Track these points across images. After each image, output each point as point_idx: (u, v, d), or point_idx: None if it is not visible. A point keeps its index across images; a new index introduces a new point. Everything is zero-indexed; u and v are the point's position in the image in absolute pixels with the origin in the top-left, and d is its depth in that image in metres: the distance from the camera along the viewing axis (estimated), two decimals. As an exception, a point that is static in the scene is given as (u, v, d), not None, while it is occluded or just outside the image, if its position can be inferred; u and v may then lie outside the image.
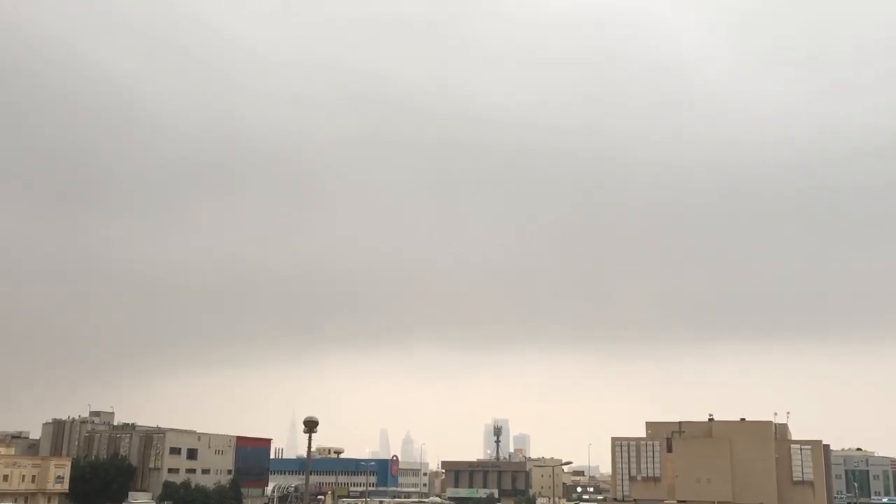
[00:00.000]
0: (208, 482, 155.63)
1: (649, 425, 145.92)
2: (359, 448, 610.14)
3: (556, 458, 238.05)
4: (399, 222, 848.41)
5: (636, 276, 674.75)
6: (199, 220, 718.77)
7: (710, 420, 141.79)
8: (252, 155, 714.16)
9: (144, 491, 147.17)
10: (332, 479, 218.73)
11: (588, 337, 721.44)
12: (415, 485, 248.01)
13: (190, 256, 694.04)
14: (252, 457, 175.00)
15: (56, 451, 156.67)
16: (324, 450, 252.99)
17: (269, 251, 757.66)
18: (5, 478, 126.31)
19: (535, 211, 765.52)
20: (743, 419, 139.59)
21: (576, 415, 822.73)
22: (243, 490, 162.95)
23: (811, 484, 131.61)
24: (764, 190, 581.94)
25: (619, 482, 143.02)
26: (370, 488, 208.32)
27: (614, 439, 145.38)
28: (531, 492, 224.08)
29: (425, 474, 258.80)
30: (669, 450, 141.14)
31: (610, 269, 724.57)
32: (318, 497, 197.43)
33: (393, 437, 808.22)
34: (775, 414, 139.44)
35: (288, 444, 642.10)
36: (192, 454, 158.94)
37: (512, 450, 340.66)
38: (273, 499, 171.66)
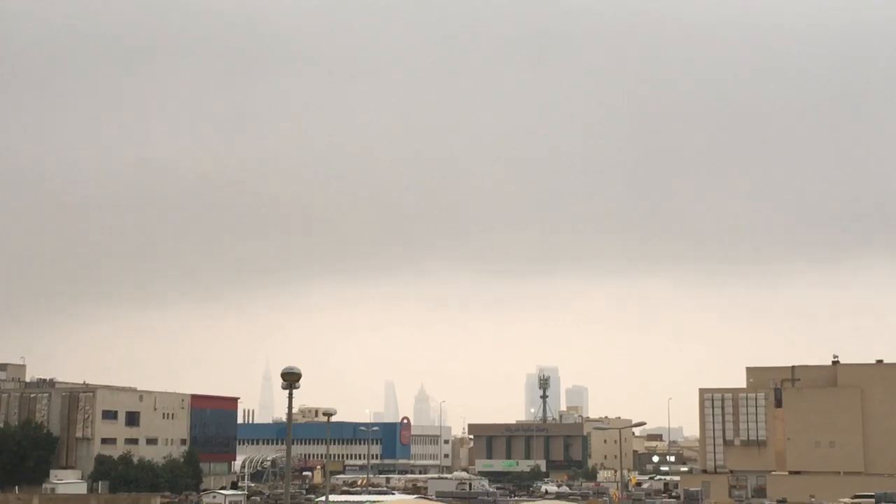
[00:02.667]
0: (156, 455, 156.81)
1: (751, 372, 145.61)
2: (357, 409, 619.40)
3: (622, 417, 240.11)
4: (402, 103, 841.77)
5: (726, 175, 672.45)
6: (121, 108, 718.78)
7: (835, 363, 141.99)
8: (193, 24, 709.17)
9: (71, 468, 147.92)
10: (320, 449, 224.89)
11: (664, 255, 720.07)
12: (433, 456, 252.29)
13: (113, 157, 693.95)
14: (214, 422, 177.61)
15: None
16: (309, 411, 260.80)
17: (221, 147, 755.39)
18: None
19: (593, 93, 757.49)
20: (879, 361, 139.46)
21: (649, 360, 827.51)
22: (203, 465, 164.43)
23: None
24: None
25: (709, 448, 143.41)
26: (373, 461, 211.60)
27: (703, 391, 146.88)
28: (590, 462, 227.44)
29: (447, 442, 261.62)
30: (778, 404, 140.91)
31: (691, 168, 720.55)
32: (304, 473, 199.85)
33: (402, 394, 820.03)
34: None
35: (262, 403, 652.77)
36: (132, 419, 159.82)
37: (563, 408, 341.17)
38: (243, 476, 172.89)
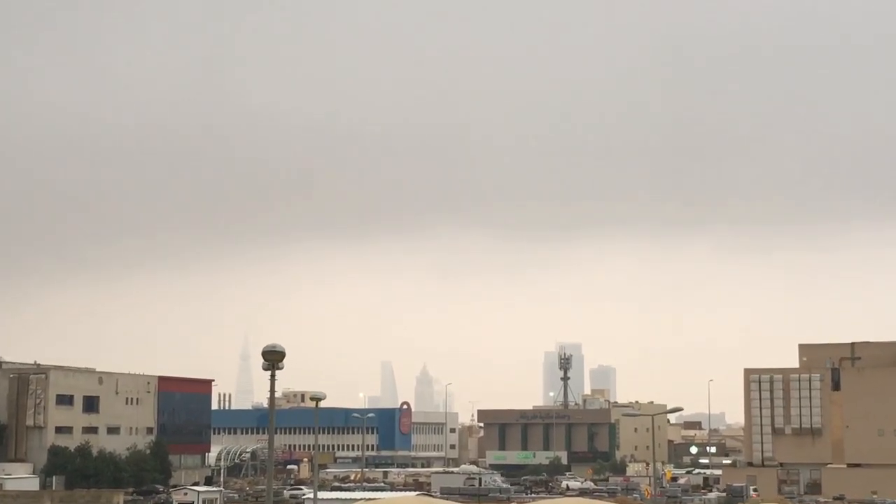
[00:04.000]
0: (118, 446, 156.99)
1: (804, 349, 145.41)
2: (349, 393, 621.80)
3: (656, 402, 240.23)
4: (409, 61, 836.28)
5: (769, 126, 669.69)
6: (74, 43, 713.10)
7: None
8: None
9: (21, 461, 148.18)
10: (308, 439, 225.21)
11: (701, 217, 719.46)
12: (437, 447, 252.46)
13: (61, 102, 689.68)
14: (185, 407, 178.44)
15: None
16: (295, 396, 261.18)
17: (198, 96, 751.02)
18: None
19: (624, 44, 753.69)
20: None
21: (686, 336, 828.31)
22: (173, 457, 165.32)
23: None
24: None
25: (755, 437, 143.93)
26: (368, 453, 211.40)
27: (748, 372, 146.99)
28: (618, 454, 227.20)
29: (453, 431, 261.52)
30: (836, 387, 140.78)
31: (729, 122, 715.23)
32: (289, 467, 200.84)
33: (402, 376, 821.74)
34: None
35: (239, 387, 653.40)
36: (91, 404, 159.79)
37: (587, 391, 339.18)
38: (219, 470, 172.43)
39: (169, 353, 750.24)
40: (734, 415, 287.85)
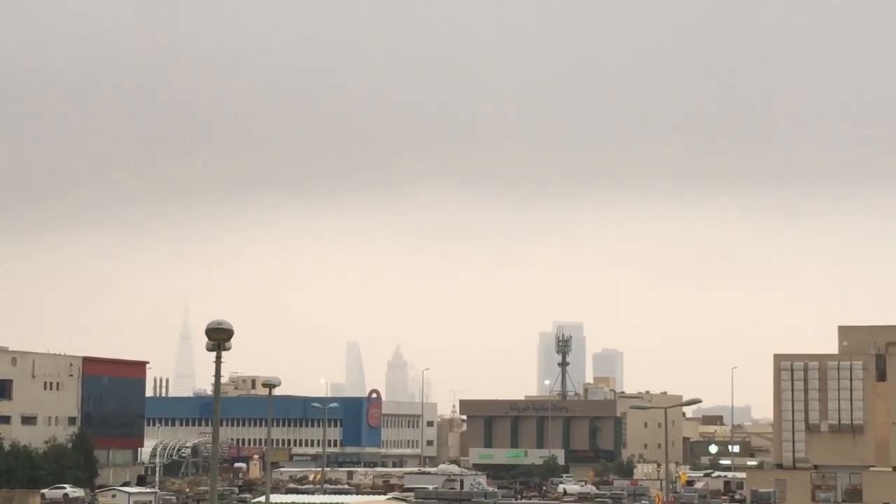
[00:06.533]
0: (35, 439, 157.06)
1: (844, 332, 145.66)
2: (308, 379, 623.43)
3: (669, 393, 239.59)
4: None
5: (816, 68, 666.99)
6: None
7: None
8: None
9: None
10: (259, 433, 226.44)
11: (735, 170, 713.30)
12: (412, 443, 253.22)
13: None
14: (114, 394, 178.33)
15: None
16: (244, 381, 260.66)
17: (134, 23, 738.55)
18: None
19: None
20: None
21: (706, 315, 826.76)
22: (99, 453, 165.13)
23: None
24: None
25: (786, 435, 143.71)
26: (330, 450, 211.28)
27: (779, 359, 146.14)
28: (625, 454, 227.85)
29: (430, 424, 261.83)
30: (881, 377, 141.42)
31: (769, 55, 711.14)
32: (236, 465, 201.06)
33: (371, 359, 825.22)
34: None
35: (179, 370, 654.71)
36: (2, 389, 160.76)
37: (590, 379, 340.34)
38: (153, 468, 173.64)
39: (96, 331, 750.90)
40: (761, 408, 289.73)
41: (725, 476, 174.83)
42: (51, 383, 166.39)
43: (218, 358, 48.14)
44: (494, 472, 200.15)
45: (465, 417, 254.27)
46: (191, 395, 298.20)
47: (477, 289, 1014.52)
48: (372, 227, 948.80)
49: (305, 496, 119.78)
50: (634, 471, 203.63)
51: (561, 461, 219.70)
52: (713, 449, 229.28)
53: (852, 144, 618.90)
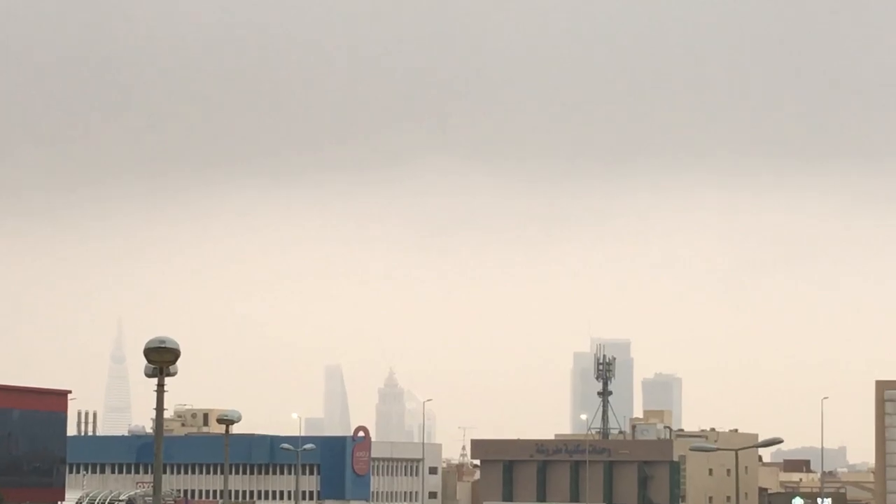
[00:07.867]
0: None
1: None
2: (278, 412, 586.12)
3: (741, 430, 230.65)
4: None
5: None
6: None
7: None
8: None
9: None
10: (214, 482, 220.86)
11: (821, 152, 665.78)
12: (410, 496, 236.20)
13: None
14: (26, 432, 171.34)
15: None
16: (194, 416, 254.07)
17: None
18: None
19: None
20: None
21: (785, 331, 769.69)
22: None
23: None
24: None
25: (892, 484, 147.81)
26: (306, 503, 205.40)
27: (882, 386, 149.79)
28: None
29: (434, 471, 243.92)
30: None
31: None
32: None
33: (357, 387, 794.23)
34: None
35: (109, 402, 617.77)
36: None
37: (638, 413, 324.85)
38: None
39: (4, 352, 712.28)
40: (859, 451, 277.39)
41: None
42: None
43: (160, 386, 43.24)
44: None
45: (477, 462, 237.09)
46: (125, 433, 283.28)
47: (494, 299, 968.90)
48: (363, 220, 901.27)
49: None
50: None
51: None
52: (798, 503, 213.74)
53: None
